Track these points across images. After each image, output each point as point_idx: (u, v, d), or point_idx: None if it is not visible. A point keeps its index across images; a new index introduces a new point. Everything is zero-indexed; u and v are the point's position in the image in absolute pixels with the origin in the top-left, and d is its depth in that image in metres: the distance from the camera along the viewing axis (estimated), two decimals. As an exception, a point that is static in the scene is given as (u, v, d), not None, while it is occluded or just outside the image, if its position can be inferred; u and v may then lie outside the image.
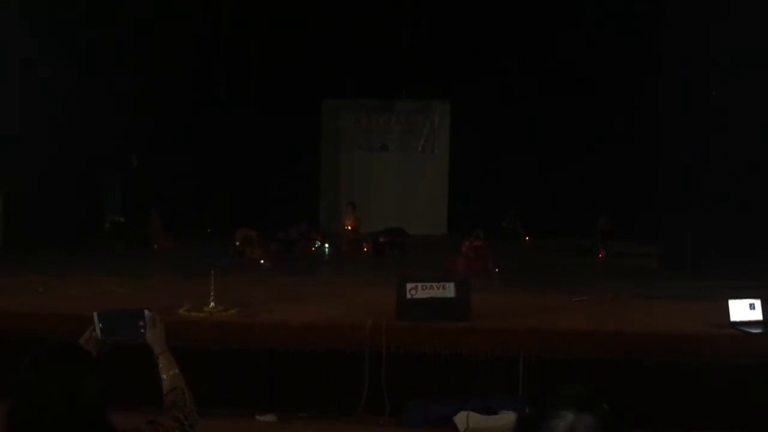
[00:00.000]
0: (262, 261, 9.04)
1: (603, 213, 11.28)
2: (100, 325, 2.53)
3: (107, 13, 10.98)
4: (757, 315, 5.17)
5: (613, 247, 10.57)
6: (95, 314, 2.54)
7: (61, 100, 10.22)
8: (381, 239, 10.41)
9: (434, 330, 5.13)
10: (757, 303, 5.21)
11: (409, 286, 5.28)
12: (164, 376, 2.50)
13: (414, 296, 5.27)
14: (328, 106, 14.57)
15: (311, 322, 5.30)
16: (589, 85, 12.33)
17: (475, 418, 4.77)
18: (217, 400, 4.95)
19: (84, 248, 9.78)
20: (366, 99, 14.29)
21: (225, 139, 13.35)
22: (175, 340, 4.91)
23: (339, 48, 12.96)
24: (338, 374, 5.11)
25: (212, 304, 5.45)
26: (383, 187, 14.14)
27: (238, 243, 9.90)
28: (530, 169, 12.95)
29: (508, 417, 4.74)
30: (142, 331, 2.57)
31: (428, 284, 5.31)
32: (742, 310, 5.18)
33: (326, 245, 10.15)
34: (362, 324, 5.10)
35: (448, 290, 5.31)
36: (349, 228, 11.44)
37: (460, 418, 4.78)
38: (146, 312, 2.60)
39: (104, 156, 11.57)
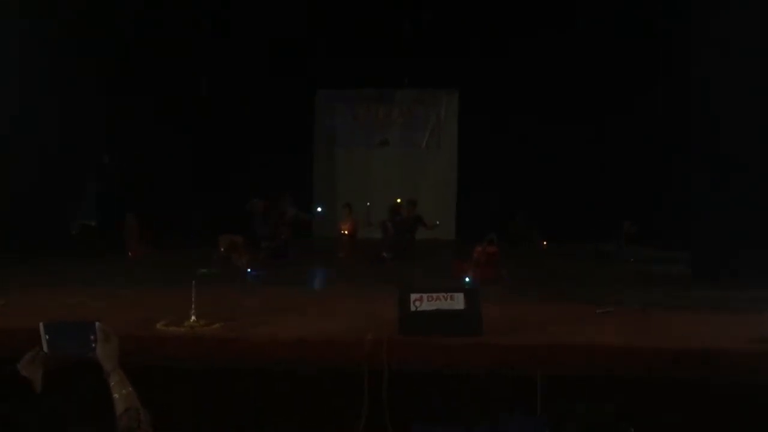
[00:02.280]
0: (249, 269, 9.04)
1: (628, 215, 11.28)
2: (47, 337, 2.57)
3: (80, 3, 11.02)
4: (801, 328, 5.17)
5: (640, 253, 10.57)
6: (41, 325, 2.57)
7: (22, 88, 10.18)
8: (384, 253, 10.51)
9: (441, 345, 5.12)
10: (801, 315, 5.21)
11: (413, 297, 5.27)
12: (116, 396, 2.51)
13: (419, 308, 5.26)
14: (321, 97, 14.58)
15: (304, 337, 5.28)
16: (614, 75, 12.33)
17: (488, 444, 4.76)
18: (200, 426, 4.95)
19: (51, 256, 9.77)
20: (364, 89, 14.29)
21: (207, 134, 13.35)
22: (153, 358, 4.97)
23: (333, 32, 12.94)
24: (334, 395, 5.10)
25: (194, 317, 5.44)
26: (383, 187, 14.11)
27: (222, 249, 9.90)
28: (547, 166, 12.94)
29: (524, 443, 4.72)
30: (93, 345, 2.56)
31: (434, 295, 5.29)
32: (785, 322, 5.18)
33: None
34: (361, 339, 5.08)
35: (457, 301, 5.29)
36: (346, 232, 11.44)
37: (471, 444, 4.77)
38: (97, 324, 2.61)
39: (73, 153, 11.56)
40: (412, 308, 5.26)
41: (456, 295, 5.32)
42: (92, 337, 2.57)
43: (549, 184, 12.88)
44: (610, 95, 12.41)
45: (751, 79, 8.57)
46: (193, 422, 4.75)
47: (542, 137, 12.88)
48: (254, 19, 12.94)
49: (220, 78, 13.49)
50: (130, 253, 10.68)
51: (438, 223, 10.86)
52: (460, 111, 14.37)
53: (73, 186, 12.06)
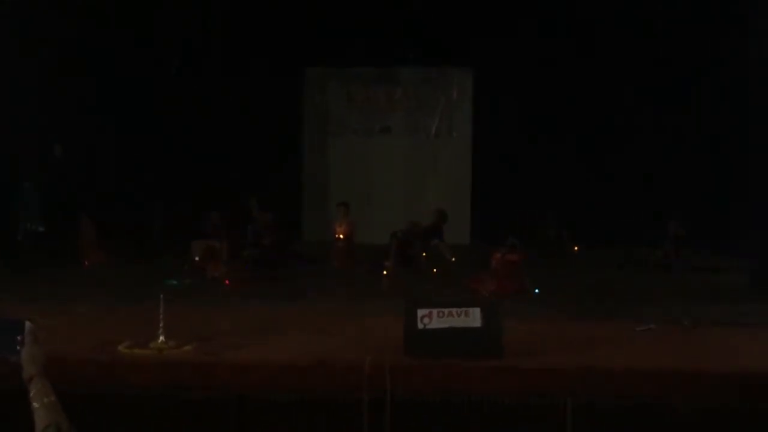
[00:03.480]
0: (227, 281, 9.06)
1: (674, 215, 11.28)
2: None
3: None
4: None
5: (688, 260, 10.59)
6: None
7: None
8: (386, 262, 10.51)
9: (454, 370, 5.13)
10: None
11: (420, 312, 5.29)
12: (36, 405, 2.53)
13: (427, 326, 5.28)
14: (312, 76, 14.58)
15: (292, 361, 5.30)
16: (655, 47, 12.33)
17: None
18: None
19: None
20: (362, 67, 14.30)
21: (177, 121, 13.34)
22: (113, 386, 4.99)
23: (326, 1, 12.94)
24: (329, 429, 5.11)
25: (162, 338, 5.46)
26: (385, 181, 14.14)
27: (196, 258, 9.92)
28: (577, 158, 12.93)
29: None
30: (18, 348, 2.61)
31: (446, 310, 5.31)
32: None
33: None
34: (360, 362, 5.10)
35: (473, 318, 5.31)
36: (341, 236, 11.44)
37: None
38: (27, 324, 2.67)
39: (17, 144, 11.57)
40: (420, 326, 5.28)
41: (472, 310, 5.34)
42: (20, 338, 2.63)
43: (579, 178, 12.85)
44: (658, 78, 12.38)
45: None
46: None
47: (570, 124, 12.87)
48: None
49: (190, 58, 13.49)
50: (85, 262, 10.69)
51: (454, 260, 10.79)
52: (474, 92, 14.36)
53: (17, 183, 12.05)
